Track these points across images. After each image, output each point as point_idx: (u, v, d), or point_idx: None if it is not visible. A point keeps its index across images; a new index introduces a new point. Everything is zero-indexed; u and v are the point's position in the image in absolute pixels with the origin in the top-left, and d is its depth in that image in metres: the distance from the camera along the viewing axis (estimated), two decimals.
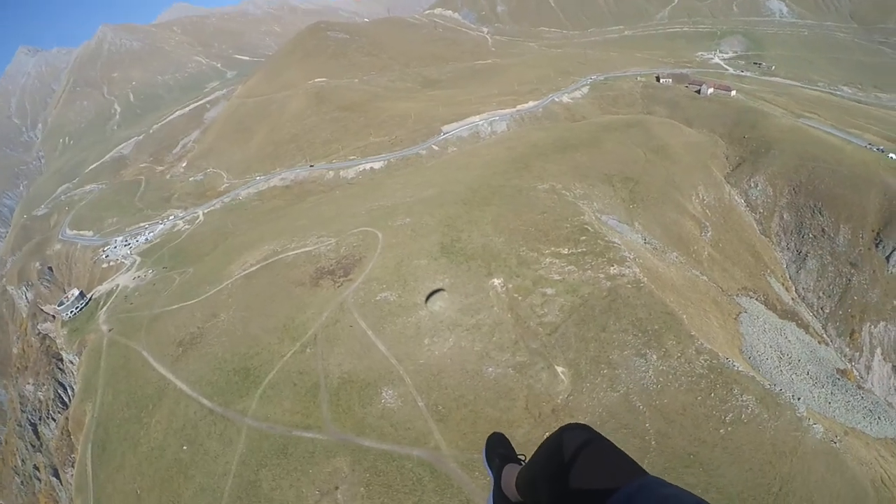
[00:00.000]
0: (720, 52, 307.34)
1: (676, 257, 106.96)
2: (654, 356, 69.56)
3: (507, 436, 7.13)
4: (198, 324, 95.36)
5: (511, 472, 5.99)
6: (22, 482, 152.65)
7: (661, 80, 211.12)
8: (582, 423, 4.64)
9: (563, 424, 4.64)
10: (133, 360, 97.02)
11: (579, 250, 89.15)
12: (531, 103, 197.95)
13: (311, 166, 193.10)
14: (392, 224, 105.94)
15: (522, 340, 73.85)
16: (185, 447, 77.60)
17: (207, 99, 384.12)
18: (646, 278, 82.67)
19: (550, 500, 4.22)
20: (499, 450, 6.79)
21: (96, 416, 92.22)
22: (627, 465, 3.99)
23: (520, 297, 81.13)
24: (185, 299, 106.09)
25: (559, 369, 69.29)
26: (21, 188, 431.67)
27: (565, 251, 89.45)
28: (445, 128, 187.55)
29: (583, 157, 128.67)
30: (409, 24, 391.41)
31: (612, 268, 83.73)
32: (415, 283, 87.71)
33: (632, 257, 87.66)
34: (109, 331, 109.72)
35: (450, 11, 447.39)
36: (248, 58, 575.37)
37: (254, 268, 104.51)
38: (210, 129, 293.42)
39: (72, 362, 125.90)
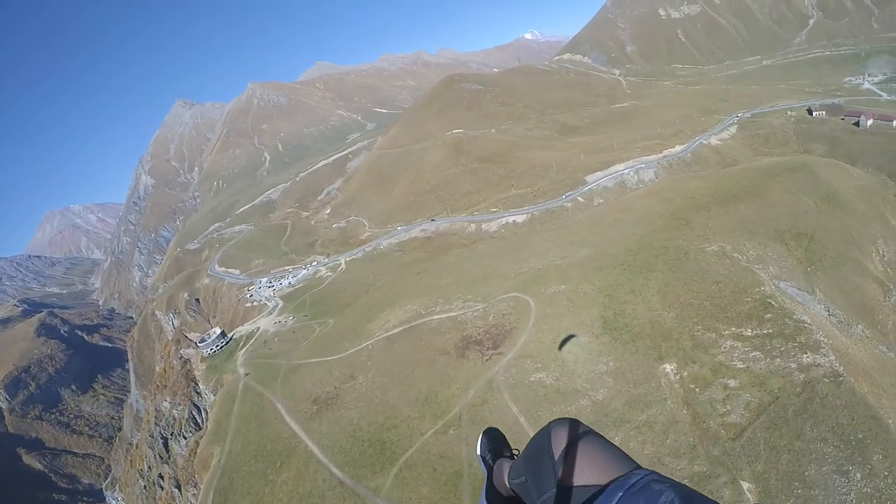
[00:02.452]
0: (868, 75, 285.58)
1: (862, 330, 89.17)
2: (858, 474, 56.53)
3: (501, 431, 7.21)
4: (335, 383, 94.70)
5: (503, 467, 6.12)
6: (145, 486, 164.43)
7: (815, 114, 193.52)
8: (571, 416, 4.86)
9: (553, 419, 4.78)
10: (266, 410, 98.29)
11: (765, 332, 75.65)
12: (678, 147, 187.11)
13: (433, 220, 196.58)
14: (545, 291, 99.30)
15: (701, 445, 63.02)
16: None
17: (350, 150, 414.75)
18: (843, 369, 67.97)
19: (541, 495, 4.30)
20: (492, 444, 6.93)
21: (223, 463, 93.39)
22: (619, 458, 4.20)
23: (697, 390, 69.80)
24: (323, 354, 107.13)
25: (745, 485, 58.39)
26: (178, 223, 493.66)
27: (748, 332, 76.29)
28: (589, 177, 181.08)
29: (747, 209, 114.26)
30: (540, 71, 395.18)
31: (804, 355, 70.08)
32: (574, 364, 79.41)
33: (826, 342, 72.79)
34: (246, 375, 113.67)
35: (579, 56, 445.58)
36: (385, 110, 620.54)
37: (396, 330, 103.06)
38: (353, 178, 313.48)
39: (206, 395, 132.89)
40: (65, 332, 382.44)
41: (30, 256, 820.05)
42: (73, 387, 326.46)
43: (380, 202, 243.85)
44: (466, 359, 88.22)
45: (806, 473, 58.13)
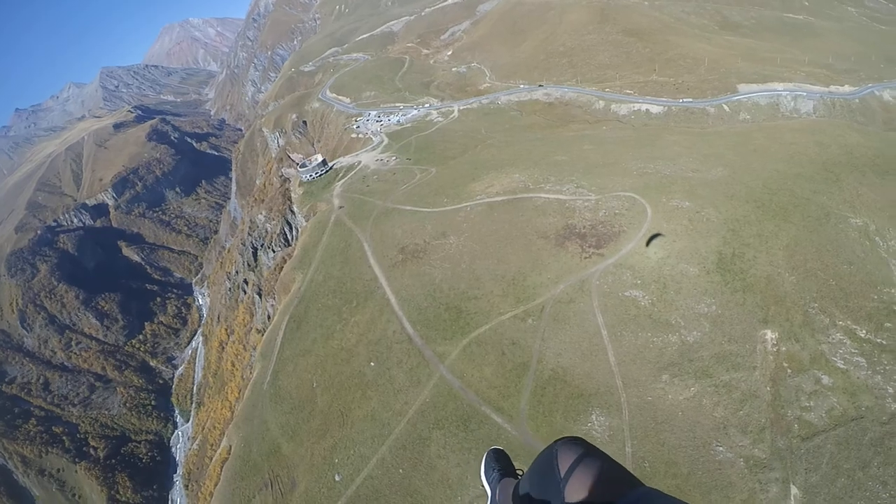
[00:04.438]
0: None
1: None
2: None
3: (506, 451, 7.48)
4: (426, 237, 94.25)
5: (507, 487, 6.28)
6: (230, 288, 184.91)
7: None
8: (576, 435, 5.16)
9: (557, 438, 5.02)
10: (353, 248, 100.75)
11: (879, 340, 67.67)
12: (847, 88, 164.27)
13: (541, 86, 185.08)
14: (666, 202, 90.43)
15: (770, 431, 59.75)
16: (372, 363, 78.10)
17: None
18: None
19: None
20: (497, 464, 7.10)
21: (303, 290, 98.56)
22: (624, 477, 4.29)
23: (790, 371, 64.68)
24: (419, 204, 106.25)
25: (793, 490, 56.19)
26: (295, 43, 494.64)
27: (862, 333, 68.62)
28: (742, 87, 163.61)
29: None
30: None
31: None
32: (675, 294, 73.55)
33: None
34: (340, 208, 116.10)
35: None
36: None
37: (498, 198, 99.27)
38: (481, 22, 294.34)
39: (299, 216, 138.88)
40: (175, 138, 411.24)
41: (147, 66, 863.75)
42: (178, 189, 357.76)
43: (506, 54, 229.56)
44: (565, 249, 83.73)
45: None
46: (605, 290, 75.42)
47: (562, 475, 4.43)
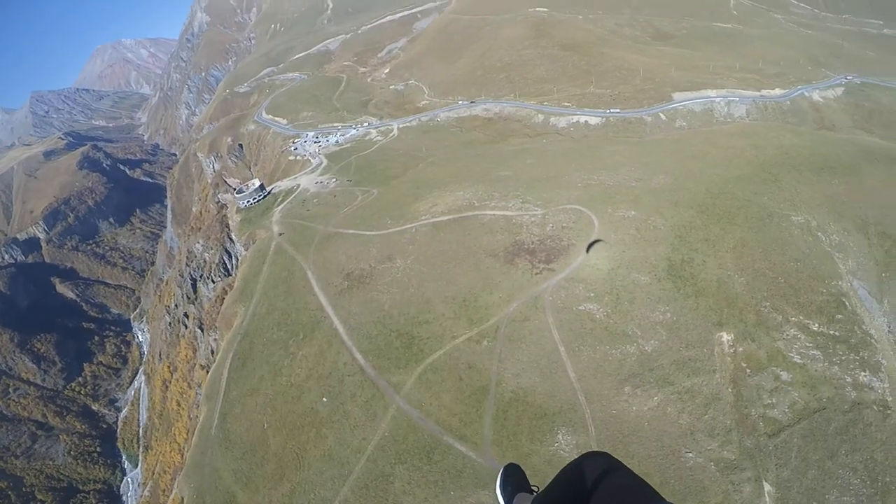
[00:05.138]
0: None
1: None
2: None
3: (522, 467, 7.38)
4: (371, 261, 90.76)
5: (523, 502, 6.40)
6: (170, 323, 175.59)
7: None
8: (602, 450, 5.20)
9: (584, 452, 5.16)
10: (296, 276, 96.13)
11: (831, 332, 70.36)
12: (777, 91, 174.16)
13: (472, 102, 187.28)
14: (612, 213, 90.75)
15: (737, 431, 60.25)
16: (324, 399, 73.73)
17: (419, 8, 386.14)
18: (893, 401, 64.25)
19: None
20: (513, 478, 6.96)
21: (245, 324, 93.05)
22: (647, 492, 4.35)
23: (748, 370, 65.77)
24: (362, 227, 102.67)
25: (766, 487, 56.97)
26: (230, 63, 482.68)
27: (815, 327, 71.02)
28: (677, 95, 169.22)
29: (840, 186, 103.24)
30: None
31: (862, 373, 66.14)
32: (629, 304, 73.34)
33: (885, 365, 68.17)
34: (280, 234, 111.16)
35: None
36: None
37: (444, 217, 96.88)
38: (418, 39, 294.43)
39: (239, 245, 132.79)
40: (107, 165, 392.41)
41: (78, 89, 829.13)
42: (111, 219, 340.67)
43: (443, 71, 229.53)
44: (515, 267, 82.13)
45: (827, 497, 56.68)
46: (558, 306, 74.09)
47: (587, 488, 4.50)
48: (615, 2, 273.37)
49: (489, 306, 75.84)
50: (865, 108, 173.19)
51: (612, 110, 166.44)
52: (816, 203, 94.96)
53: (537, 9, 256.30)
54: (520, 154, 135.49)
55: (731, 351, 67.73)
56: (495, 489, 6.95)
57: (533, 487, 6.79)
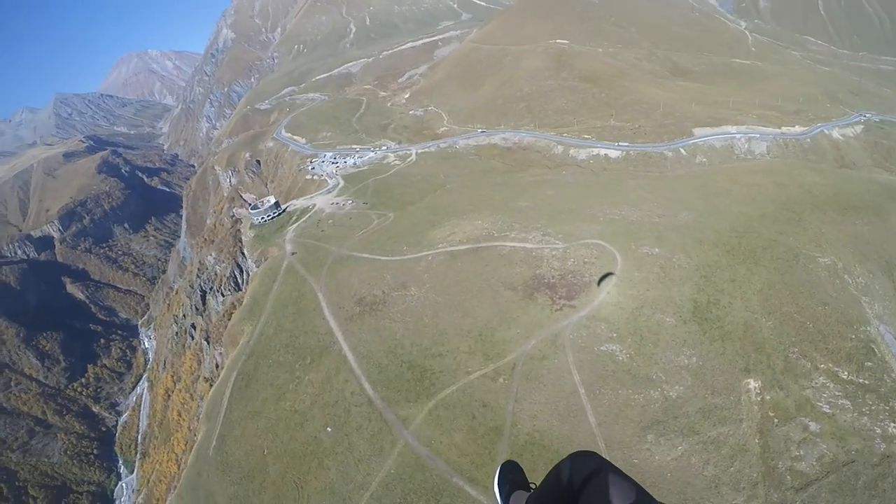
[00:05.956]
0: None
1: None
2: None
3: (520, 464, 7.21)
4: (384, 287, 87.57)
5: (519, 499, 6.33)
6: (177, 333, 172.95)
7: None
8: (591, 450, 5.03)
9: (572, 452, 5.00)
10: (307, 298, 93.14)
11: (860, 381, 65.93)
12: (798, 128, 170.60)
13: (482, 131, 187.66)
14: (636, 249, 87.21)
15: (763, 485, 55.85)
16: (329, 428, 70.05)
17: (440, 36, 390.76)
18: None
19: None
20: (510, 476, 6.87)
21: (252, 344, 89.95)
22: (637, 493, 4.38)
23: (776, 420, 61.31)
24: (377, 251, 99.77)
25: None
26: (252, 80, 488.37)
27: (844, 375, 66.69)
28: (697, 131, 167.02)
29: (864, 226, 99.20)
30: None
31: (892, 425, 61.40)
32: (653, 346, 69.24)
33: None
34: (292, 254, 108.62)
35: None
36: (484, 3, 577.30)
37: (461, 246, 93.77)
38: (439, 66, 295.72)
39: (251, 261, 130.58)
40: (126, 171, 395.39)
41: (102, 95, 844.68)
42: (126, 225, 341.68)
43: (463, 98, 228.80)
44: (534, 302, 78.64)
45: None
46: (579, 345, 70.34)
47: (576, 487, 4.42)
48: (634, 36, 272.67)
49: (506, 342, 72.30)
50: (884, 147, 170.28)
51: (621, 143, 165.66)
52: (841, 244, 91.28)
53: (558, 41, 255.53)
54: (539, 185, 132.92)
55: (759, 399, 63.57)
56: (493, 487, 6.85)
57: (531, 484, 6.67)
